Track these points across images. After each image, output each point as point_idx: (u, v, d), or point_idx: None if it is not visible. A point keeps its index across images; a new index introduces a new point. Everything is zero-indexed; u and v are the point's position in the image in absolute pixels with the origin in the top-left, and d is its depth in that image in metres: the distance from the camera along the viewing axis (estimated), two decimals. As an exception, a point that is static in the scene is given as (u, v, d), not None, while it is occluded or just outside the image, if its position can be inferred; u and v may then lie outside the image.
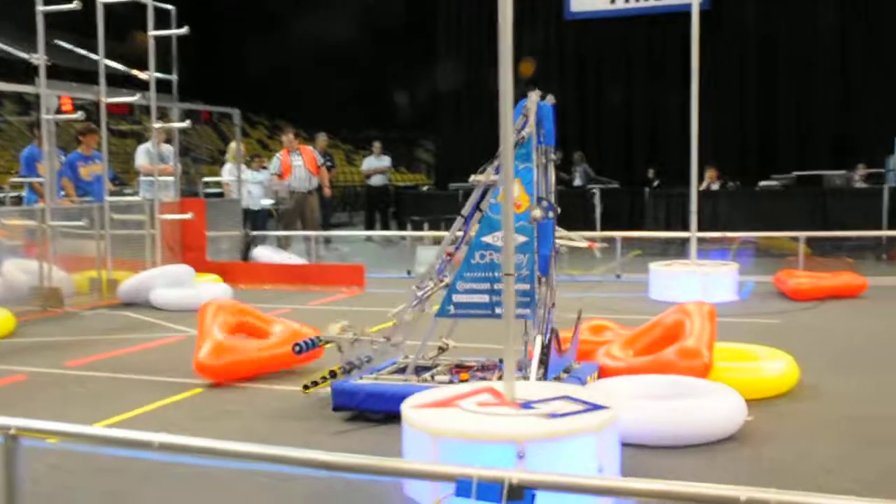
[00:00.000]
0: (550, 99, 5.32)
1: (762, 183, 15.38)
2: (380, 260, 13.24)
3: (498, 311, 4.97)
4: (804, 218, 13.00)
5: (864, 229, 12.25)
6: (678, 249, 11.97)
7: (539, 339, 4.96)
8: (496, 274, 5.02)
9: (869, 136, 16.32)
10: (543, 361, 4.87)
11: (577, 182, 17.40)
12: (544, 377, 4.81)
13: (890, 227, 12.63)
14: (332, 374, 5.31)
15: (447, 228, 6.29)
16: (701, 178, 12.48)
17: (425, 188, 22.80)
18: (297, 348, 5.69)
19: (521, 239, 4.98)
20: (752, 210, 14.47)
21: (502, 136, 4.01)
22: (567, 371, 5.31)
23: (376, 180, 18.26)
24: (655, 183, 17.25)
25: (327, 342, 5.66)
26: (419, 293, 5.36)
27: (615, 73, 19.62)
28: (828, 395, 5.39)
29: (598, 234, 12.63)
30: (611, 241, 11.50)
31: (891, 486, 3.87)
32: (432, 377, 5.14)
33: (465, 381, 4.98)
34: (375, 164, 18.33)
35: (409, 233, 14.86)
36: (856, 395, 5.39)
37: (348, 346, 5.41)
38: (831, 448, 4.42)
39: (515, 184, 4.90)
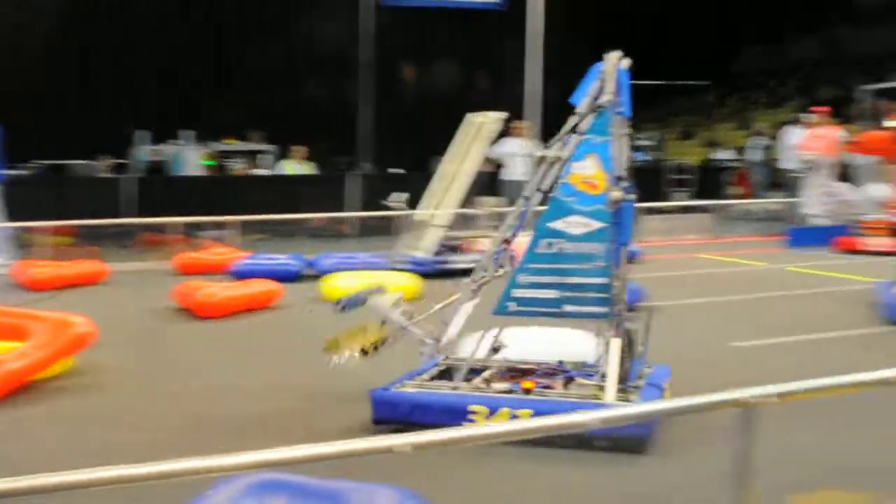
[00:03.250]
0: (627, 62, 4.43)
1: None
2: None
3: (568, 308, 4.41)
4: (47, 206, 12.73)
5: (106, 217, 12.49)
6: None
7: (616, 343, 4.24)
8: (566, 266, 4.34)
9: (110, 129, 16.87)
10: (623, 367, 4.20)
11: None
12: (624, 384, 4.14)
13: (138, 215, 13.09)
14: (364, 352, 4.53)
15: None
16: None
17: None
18: (341, 305, 4.78)
19: (597, 225, 4.31)
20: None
21: None
22: (641, 376, 4.46)
23: None
24: None
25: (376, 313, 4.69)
26: (473, 286, 4.57)
27: None
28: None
29: None
30: None
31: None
32: (487, 384, 4.37)
33: (530, 390, 4.25)
34: None
35: None
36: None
37: (393, 330, 4.61)
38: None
39: (591, 160, 4.31)
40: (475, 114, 10.77)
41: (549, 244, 4.40)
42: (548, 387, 4.38)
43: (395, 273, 8.91)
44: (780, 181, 15.85)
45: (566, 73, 20.87)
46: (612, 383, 4.15)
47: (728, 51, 40.17)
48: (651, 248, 12.21)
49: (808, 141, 14.07)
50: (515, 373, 4.62)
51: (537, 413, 3.88)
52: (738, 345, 6.39)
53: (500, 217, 11.15)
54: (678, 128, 35.48)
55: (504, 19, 14.10)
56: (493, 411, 4.10)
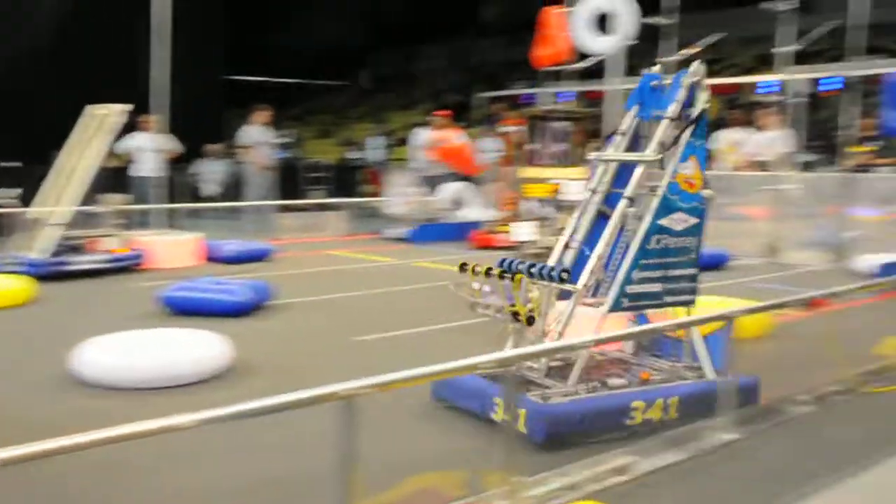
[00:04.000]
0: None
1: None
2: None
3: (668, 299, 4.70)
4: None
5: None
6: None
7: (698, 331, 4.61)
8: (669, 260, 4.64)
9: None
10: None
11: None
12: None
13: None
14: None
15: None
16: None
17: None
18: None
19: (693, 220, 4.69)
20: None
21: None
22: None
23: None
24: None
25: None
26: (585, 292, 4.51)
27: None
28: None
29: None
30: None
31: None
32: (603, 383, 4.43)
33: (647, 380, 4.54)
34: None
35: None
36: None
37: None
38: None
39: (692, 161, 4.66)
40: (97, 105, 10.18)
41: (658, 240, 4.60)
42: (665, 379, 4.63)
43: (5, 276, 8.18)
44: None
45: (195, 67, 20.38)
46: (706, 363, 4.66)
47: (366, 54, 41.60)
48: (286, 245, 12.32)
49: (432, 143, 15.01)
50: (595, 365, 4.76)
51: (682, 399, 4.39)
52: (361, 339, 6.62)
53: (126, 215, 10.71)
54: (317, 126, 36.16)
55: (131, 8, 13.38)
56: (648, 405, 4.30)
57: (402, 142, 26.08)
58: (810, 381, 5.01)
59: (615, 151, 4.94)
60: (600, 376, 4.54)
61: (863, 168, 11.72)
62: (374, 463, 3.45)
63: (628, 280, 4.53)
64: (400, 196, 13.92)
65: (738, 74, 23.22)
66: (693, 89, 4.74)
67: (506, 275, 4.50)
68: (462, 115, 21.97)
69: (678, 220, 4.65)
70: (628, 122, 4.97)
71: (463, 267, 4.73)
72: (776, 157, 11.72)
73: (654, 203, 4.58)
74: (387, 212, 14.07)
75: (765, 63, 19.18)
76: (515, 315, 4.45)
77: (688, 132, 4.65)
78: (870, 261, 9.76)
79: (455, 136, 15.28)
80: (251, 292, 7.40)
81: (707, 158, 4.83)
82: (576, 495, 3.51)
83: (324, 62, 37.73)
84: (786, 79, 10.84)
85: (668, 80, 4.87)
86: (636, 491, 3.62)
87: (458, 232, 13.41)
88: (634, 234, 4.61)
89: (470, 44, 39.83)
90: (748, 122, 13.95)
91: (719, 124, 18.04)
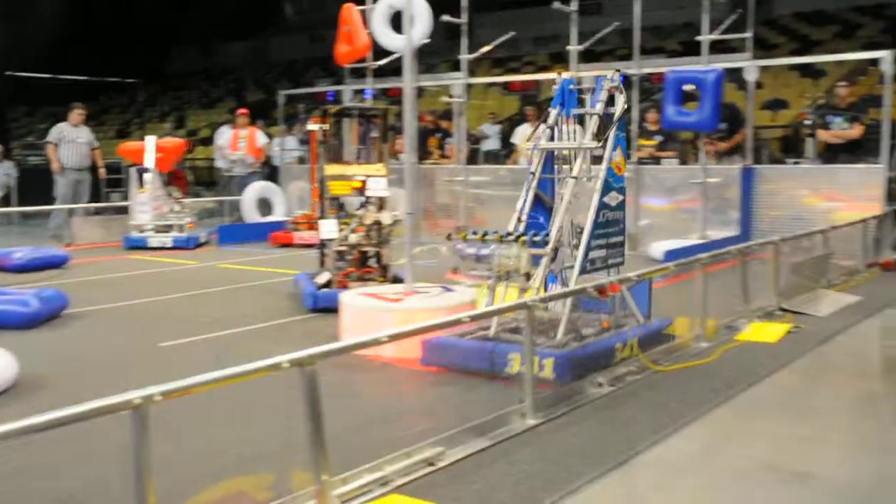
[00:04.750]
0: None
1: None
2: None
3: (610, 262, 5.78)
4: None
5: None
6: None
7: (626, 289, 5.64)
8: (609, 230, 5.71)
9: None
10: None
11: None
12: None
13: None
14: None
15: None
16: None
17: None
18: None
19: (621, 198, 5.81)
20: None
21: None
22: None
23: None
24: None
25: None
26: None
27: None
28: None
29: None
30: None
31: None
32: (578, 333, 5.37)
33: (608, 327, 5.54)
34: None
35: None
36: None
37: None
38: None
39: (619, 150, 5.72)
40: None
41: (603, 215, 5.62)
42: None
43: None
44: (215, 180, 16.25)
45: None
46: (636, 311, 5.81)
47: (159, 50, 40.13)
48: (81, 251, 11.72)
49: (233, 141, 14.72)
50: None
51: (640, 339, 5.53)
52: (165, 344, 6.40)
53: None
54: (114, 125, 34.58)
55: None
56: (623, 346, 5.36)
57: (205, 141, 25.37)
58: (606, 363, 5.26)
59: (546, 142, 5.94)
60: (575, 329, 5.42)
61: (652, 160, 12.39)
62: (177, 469, 3.34)
63: (589, 248, 5.55)
64: (144, 202, 12.82)
65: (534, 72, 24.05)
66: (611, 91, 5.78)
67: (505, 239, 5.40)
68: (265, 113, 21.62)
69: (613, 198, 5.71)
70: (553, 118, 5.95)
71: (464, 235, 5.59)
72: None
73: (599, 184, 5.62)
74: (132, 220, 12.91)
75: (559, 61, 19.99)
76: (507, 273, 5.37)
77: (615, 126, 5.69)
78: (660, 247, 10.36)
79: (259, 134, 15.05)
80: (42, 302, 6.98)
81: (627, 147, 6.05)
82: (386, 490, 3.52)
83: (117, 58, 36.07)
84: (574, 76, 11.31)
85: (585, 84, 5.97)
86: (445, 481, 3.68)
87: (263, 232, 13.18)
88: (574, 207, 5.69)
89: (271, 40, 39.25)
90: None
91: (517, 120, 18.65)
